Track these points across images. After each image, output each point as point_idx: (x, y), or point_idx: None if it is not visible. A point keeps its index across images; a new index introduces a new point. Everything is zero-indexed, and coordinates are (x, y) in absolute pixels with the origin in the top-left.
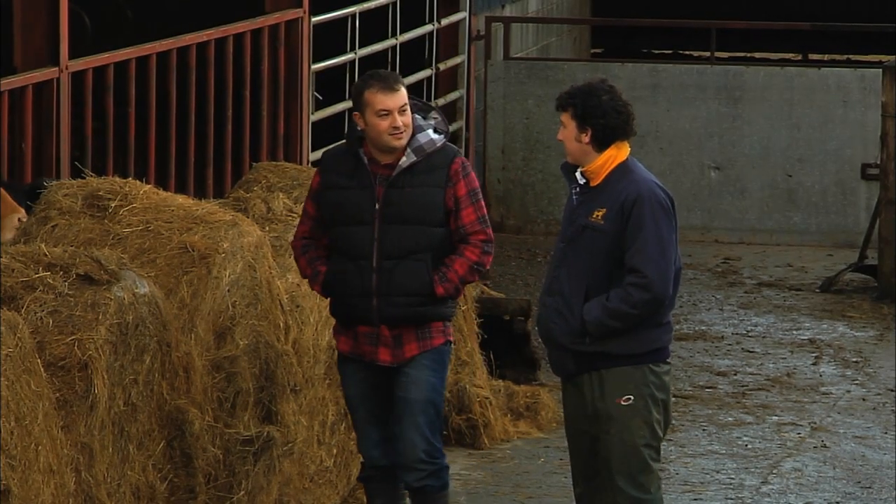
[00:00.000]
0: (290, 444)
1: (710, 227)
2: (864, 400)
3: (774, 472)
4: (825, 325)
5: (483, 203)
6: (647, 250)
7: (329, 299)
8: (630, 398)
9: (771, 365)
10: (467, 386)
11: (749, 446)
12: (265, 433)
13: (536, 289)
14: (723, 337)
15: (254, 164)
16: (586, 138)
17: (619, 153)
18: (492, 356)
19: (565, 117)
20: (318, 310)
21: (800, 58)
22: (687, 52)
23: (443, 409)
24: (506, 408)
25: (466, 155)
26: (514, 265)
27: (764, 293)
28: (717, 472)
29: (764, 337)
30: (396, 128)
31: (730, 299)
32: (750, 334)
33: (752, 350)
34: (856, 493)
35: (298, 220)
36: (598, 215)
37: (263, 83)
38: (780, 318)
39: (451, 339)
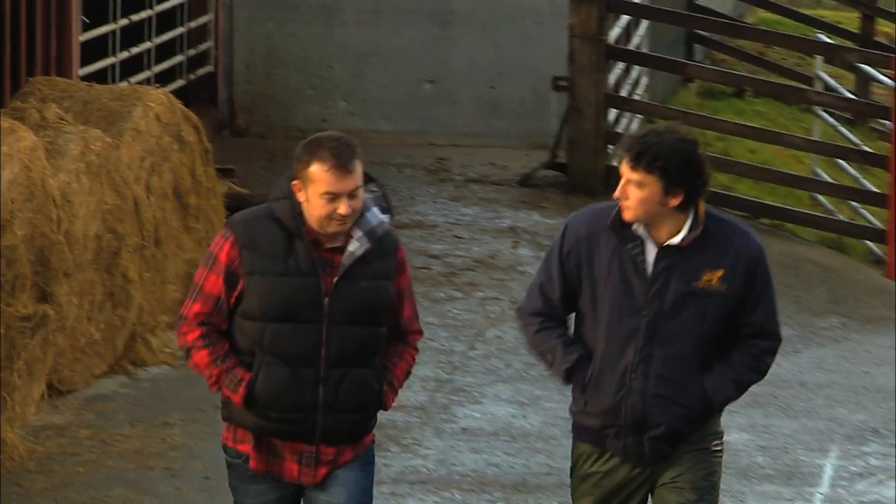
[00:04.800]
0: (62, 321)
1: (425, 132)
2: None
3: (480, 339)
4: (523, 215)
5: (413, 293)
6: (776, 310)
7: (226, 401)
8: None
9: (476, 249)
10: None
11: (458, 318)
12: (41, 311)
13: None
14: (436, 225)
15: (29, 78)
16: (675, 202)
17: (700, 201)
18: None
19: (645, 177)
20: (87, 204)
21: None
22: None
23: None
24: None
25: (215, 71)
26: (257, 166)
27: (471, 188)
28: (431, 340)
29: (471, 225)
30: (343, 216)
31: (442, 193)
32: (459, 223)
33: (460, 236)
34: None
35: (191, 293)
36: (711, 278)
37: (38, 6)
38: (485, 209)
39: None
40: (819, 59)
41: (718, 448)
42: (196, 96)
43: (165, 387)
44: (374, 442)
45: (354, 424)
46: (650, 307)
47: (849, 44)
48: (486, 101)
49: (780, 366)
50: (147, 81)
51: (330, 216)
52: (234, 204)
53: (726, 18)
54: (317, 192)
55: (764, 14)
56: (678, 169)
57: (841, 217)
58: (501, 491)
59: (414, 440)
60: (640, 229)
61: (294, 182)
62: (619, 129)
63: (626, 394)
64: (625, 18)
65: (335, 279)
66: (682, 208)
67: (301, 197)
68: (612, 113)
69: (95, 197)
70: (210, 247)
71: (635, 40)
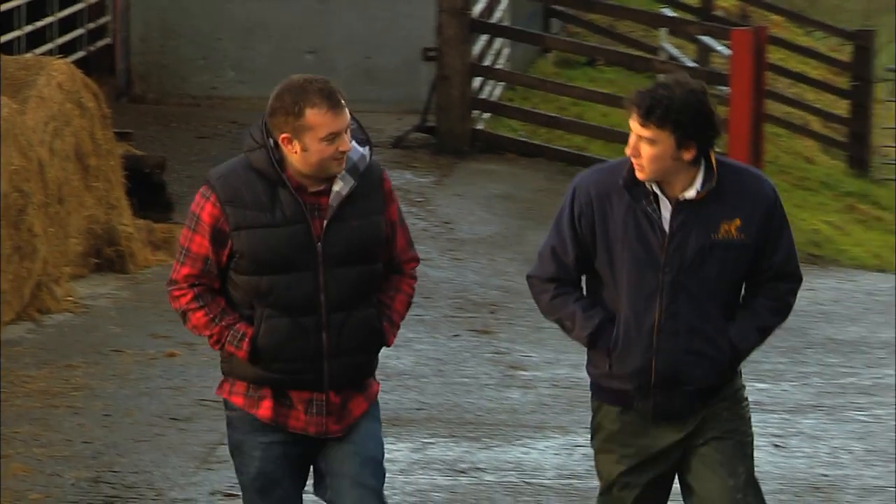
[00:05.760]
0: None
1: None
2: (425, 230)
3: None
4: (395, 174)
5: (405, 220)
6: (794, 250)
7: (227, 356)
8: None
9: None
10: (116, 225)
11: None
12: None
13: (171, 147)
14: None
15: None
16: (688, 156)
17: (711, 151)
18: (135, 201)
19: (657, 133)
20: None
21: None
22: None
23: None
24: (147, 241)
25: (114, 42)
26: (152, 129)
27: None
28: None
29: None
30: (343, 152)
31: None
32: None
33: None
34: (420, 301)
35: (178, 256)
36: (730, 228)
37: None
38: None
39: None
40: (663, 31)
41: (747, 401)
42: (96, 66)
43: (69, 332)
44: (378, 392)
45: (360, 367)
46: (671, 264)
47: (690, 17)
48: (362, 70)
49: None
50: (50, 53)
51: (333, 157)
52: (130, 164)
53: None
54: (317, 136)
55: None
56: (690, 121)
57: None
58: None
59: None
60: (653, 185)
61: (283, 135)
62: (483, 96)
63: (655, 353)
64: None
65: (325, 222)
66: (695, 161)
67: (293, 148)
68: (477, 81)
69: (2, 159)
70: (191, 206)
71: (497, 14)
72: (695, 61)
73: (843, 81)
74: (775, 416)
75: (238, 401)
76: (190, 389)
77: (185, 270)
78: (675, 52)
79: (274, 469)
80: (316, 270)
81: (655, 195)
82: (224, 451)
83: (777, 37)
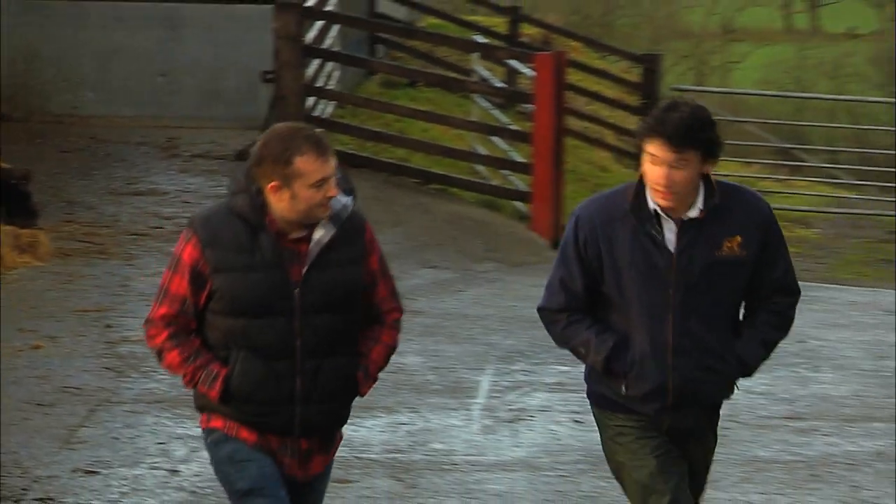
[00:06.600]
0: None
1: (159, 117)
2: None
3: None
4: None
5: (389, 270)
6: (791, 265)
7: (200, 391)
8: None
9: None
10: None
11: None
12: None
13: (36, 160)
14: (167, 192)
15: None
16: (707, 169)
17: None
18: (3, 209)
19: (689, 154)
20: None
21: None
22: None
23: None
24: (14, 245)
25: None
26: (19, 145)
27: (196, 161)
28: None
29: (196, 192)
30: (330, 198)
31: (172, 166)
32: (187, 190)
33: (188, 201)
34: None
35: (157, 296)
36: (731, 245)
37: None
38: (208, 179)
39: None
40: (476, 55)
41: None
42: None
43: None
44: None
45: (332, 415)
46: (679, 283)
47: (499, 44)
48: (208, 90)
49: (446, 301)
50: None
51: (320, 203)
52: None
53: (401, 24)
54: (306, 183)
55: (432, 20)
56: (710, 136)
57: (494, 182)
58: None
59: (150, 367)
60: (657, 206)
61: (272, 184)
62: (317, 114)
63: (671, 374)
64: (319, 23)
65: (304, 269)
66: (704, 177)
67: (281, 196)
68: (311, 100)
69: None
70: (175, 248)
71: (328, 41)
72: (503, 82)
73: (633, 99)
74: (576, 395)
75: (217, 424)
76: (53, 378)
77: (162, 310)
78: (486, 74)
79: (272, 473)
80: (292, 316)
81: (658, 217)
82: (84, 432)
83: (576, 60)
